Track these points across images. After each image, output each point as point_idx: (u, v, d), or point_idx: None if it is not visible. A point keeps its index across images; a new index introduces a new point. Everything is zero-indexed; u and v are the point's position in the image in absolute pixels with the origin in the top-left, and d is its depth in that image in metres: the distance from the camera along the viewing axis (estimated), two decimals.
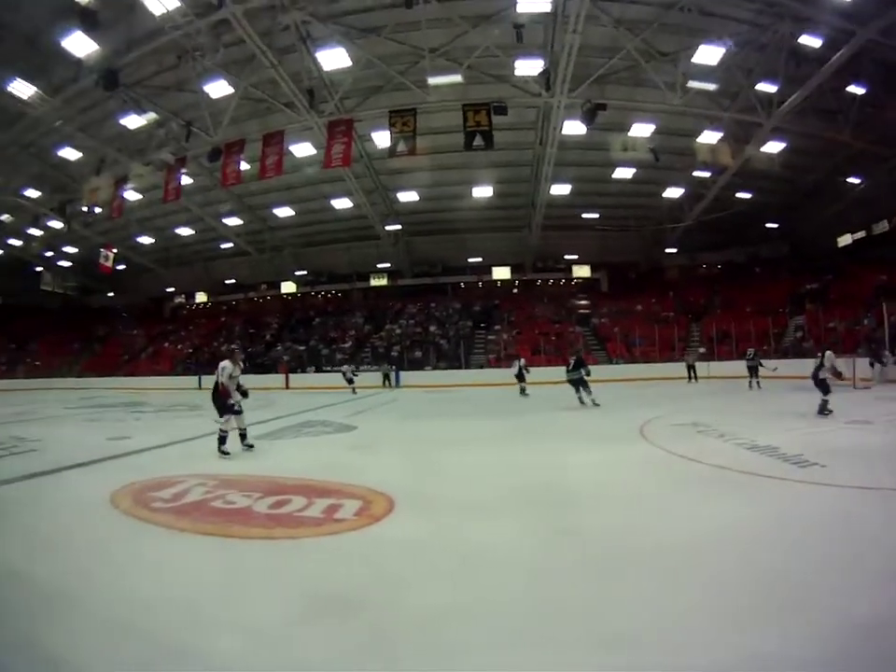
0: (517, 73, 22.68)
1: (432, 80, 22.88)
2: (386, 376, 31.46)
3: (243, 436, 10.01)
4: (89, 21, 19.10)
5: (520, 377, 22.24)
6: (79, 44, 20.71)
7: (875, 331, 25.34)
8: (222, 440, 9.49)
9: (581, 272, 43.94)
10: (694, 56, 21.90)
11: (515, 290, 45.46)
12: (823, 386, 12.59)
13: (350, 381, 26.74)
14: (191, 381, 34.97)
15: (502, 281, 44.87)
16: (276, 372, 35.84)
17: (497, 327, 39.74)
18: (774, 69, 22.59)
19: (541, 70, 22.48)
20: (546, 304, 42.49)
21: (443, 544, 5.07)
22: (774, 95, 23.98)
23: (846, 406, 13.28)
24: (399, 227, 39.15)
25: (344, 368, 27.90)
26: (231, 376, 9.78)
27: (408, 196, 35.04)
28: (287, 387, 33.22)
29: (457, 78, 22.89)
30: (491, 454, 9.65)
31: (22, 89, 23.22)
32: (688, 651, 3.15)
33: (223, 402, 9.67)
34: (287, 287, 46.98)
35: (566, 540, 5.03)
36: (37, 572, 4.45)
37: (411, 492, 6.91)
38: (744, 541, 4.83)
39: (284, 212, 37.03)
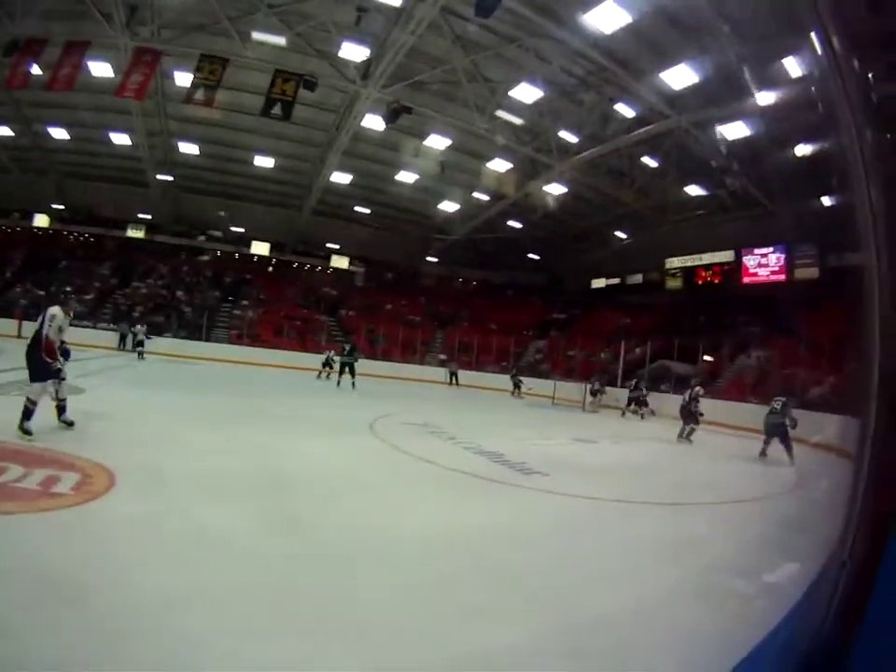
0: (341, 54, 22.50)
1: (257, 36, 22.18)
2: (123, 338, 29.78)
3: (61, 408, 8.04)
4: None
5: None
6: None
7: (611, 364, 28.30)
8: (28, 413, 7.20)
9: (340, 262, 44.28)
10: (513, 90, 23.08)
11: (271, 269, 44.75)
12: (691, 417, 14.47)
13: (139, 344, 24.31)
14: None
15: (260, 256, 43.91)
16: (10, 317, 31.07)
17: (244, 302, 39.18)
18: (581, 123, 24.62)
19: (365, 58, 22.55)
20: (298, 288, 42.35)
21: (170, 525, 4.82)
22: (573, 145, 26.05)
23: (575, 424, 14.88)
24: (171, 178, 36.77)
25: (137, 328, 24.97)
26: (60, 329, 7.72)
27: (189, 147, 33.01)
28: (20, 336, 28.72)
29: (280, 41, 22.37)
30: (223, 433, 9.46)
31: None
32: (419, 644, 3.33)
33: (44, 364, 7.44)
34: (41, 221, 41.71)
35: (295, 528, 5.17)
36: None
37: (135, 467, 6.47)
38: (468, 538, 5.26)
39: (59, 133, 32.92)
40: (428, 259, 44.61)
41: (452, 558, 4.73)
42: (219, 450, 8.10)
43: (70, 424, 8.07)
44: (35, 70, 23.04)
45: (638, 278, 37.57)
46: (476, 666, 3.11)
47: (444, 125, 26.44)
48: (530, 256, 42.65)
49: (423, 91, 24.43)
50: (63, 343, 7.95)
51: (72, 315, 8.31)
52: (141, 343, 24.33)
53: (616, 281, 39.32)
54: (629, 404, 21.97)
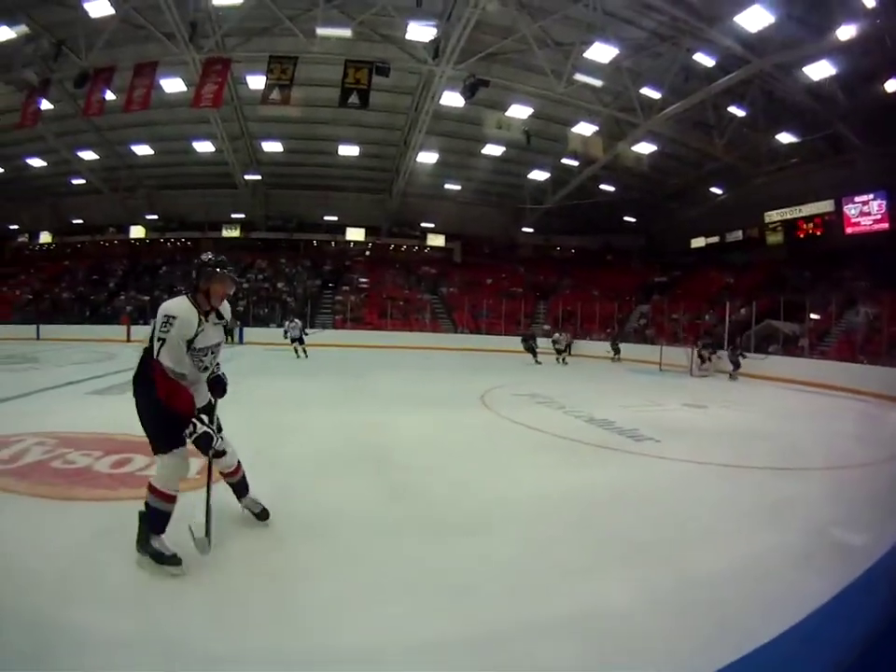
0: (408, 36, 22.32)
1: (321, 31, 22.12)
2: (230, 331, 30.36)
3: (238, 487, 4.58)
4: None
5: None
6: None
7: (715, 327, 26.97)
8: (156, 521, 3.79)
9: (436, 241, 44.33)
10: (587, 52, 22.28)
11: (368, 253, 45.21)
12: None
13: (296, 340, 22.89)
14: (29, 330, 31.67)
15: (356, 242, 44.57)
16: (118, 324, 33.41)
17: (345, 288, 39.66)
18: (661, 78, 23.61)
19: (433, 38, 22.32)
20: (397, 270, 42.56)
21: (296, 505, 5.03)
22: (656, 101, 25.00)
23: (683, 391, 14.15)
24: (258, 177, 38.10)
25: (290, 325, 23.45)
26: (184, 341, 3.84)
27: (272, 146, 34.10)
28: (129, 341, 30.57)
29: (346, 33, 22.33)
30: (337, 414, 9.70)
31: None
32: (532, 602, 3.38)
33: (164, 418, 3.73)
34: (137, 232, 44.23)
35: (413, 500, 5.32)
36: None
37: (257, 451, 6.48)
38: (583, 503, 5.29)
39: (143, 150, 34.56)
40: (524, 229, 43.87)
41: (563, 520, 4.83)
42: (337, 429, 8.41)
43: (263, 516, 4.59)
44: (110, 96, 23.88)
45: (738, 235, 36.10)
46: (592, 624, 3.15)
47: (524, 94, 25.85)
48: (626, 219, 41.51)
49: (496, 62, 23.88)
50: (214, 373, 4.21)
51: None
52: (299, 340, 22.80)
53: (715, 239, 37.87)
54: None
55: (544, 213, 39.92)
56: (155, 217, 43.32)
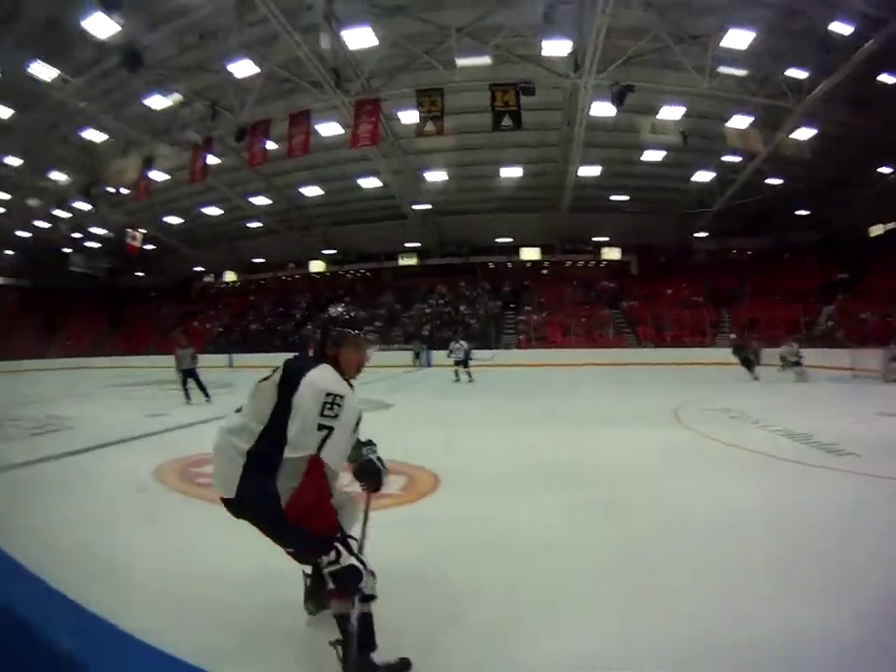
0: (544, 53, 22.25)
1: (461, 62, 22.54)
2: (417, 354, 31.42)
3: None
4: (109, 2, 18.77)
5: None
6: (100, 25, 20.17)
7: None
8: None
9: (611, 254, 43.67)
10: (723, 40, 21.36)
11: (545, 271, 45.17)
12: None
13: (460, 363, 22.40)
14: (222, 359, 35.40)
15: (532, 262, 44.62)
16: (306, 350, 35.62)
17: (527, 307, 39.65)
18: (803, 56, 22.09)
19: (570, 51, 22.14)
20: (576, 286, 42.17)
21: (492, 522, 5.07)
22: (804, 82, 23.40)
23: (877, 397, 13.07)
24: (427, 206, 38.99)
25: (455, 346, 22.95)
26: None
27: (436, 175, 34.80)
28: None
29: (485, 61, 22.71)
30: (532, 434, 9.67)
31: (43, 71, 22.84)
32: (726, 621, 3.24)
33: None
34: (316, 266, 47.32)
35: (615, 516, 5.22)
36: (90, 547, 4.46)
37: (453, 469, 6.98)
38: (791, 524, 4.92)
39: (311, 191, 36.83)
40: (696, 235, 42.38)
41: (758, 538, 4.58)
42: (532, 450, 8.40)
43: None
44: (271, 145, 25.44)
45: None
46: (789, 644, 2.97)
47: (671, 94, 25.21)
48: (797, 212, 38.78)
49: (637, 65, 23.21)
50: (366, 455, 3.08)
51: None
52: (463, 364, 22.28)
53: (894, 225, 34.91)
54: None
55: (714, 215, 38.32)
56: (333, 251, 46.00)
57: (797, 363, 19.54)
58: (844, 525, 4.92)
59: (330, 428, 2.57)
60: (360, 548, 2.83)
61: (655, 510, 5.39)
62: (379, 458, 3.04)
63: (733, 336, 27.52)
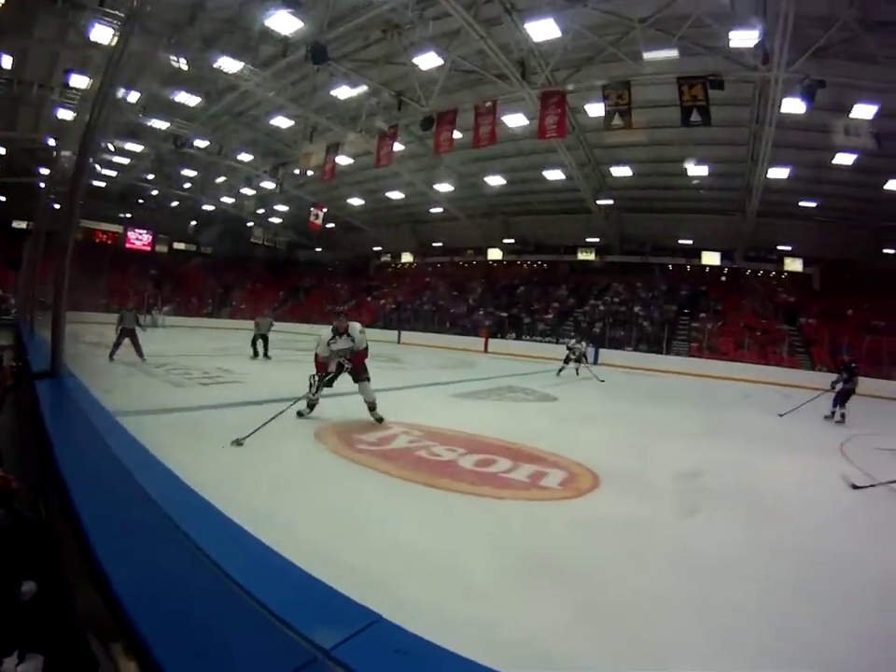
0: (732, 44, 21.22)
1: (648, 56, 22.25)
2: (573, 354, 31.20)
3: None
4: (291, 1, 20.05)
5: None
6: (283, 23, 21.69)
7: None
8: None
9: (794, 265, 40.60)
10: None
11: (724, 278, 43.03)
12: None
13: (572, 359, 23.49)
14: (391, 335, 37.64)
15: (711, 266, 42.77)
16: (477, 335, 37.18)
17: (702, 314, 38.26)
18: None
19: (757, 41, 21.05)
20: (754, 296, 39.62)
21: (653, 530, 5.14)
22: None
23: None
24: (610, 202, 38.37)
25: (572, 343, 24.07)
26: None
27: (621, 171, 34.29)
28: (486, 351, 34.36)
29: (673, 54, 22.14)
30: (695, 447, 9.62)
31: (230, 65, 24.85)
32: None
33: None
34: (494, 254, 47.70)
35: (781, 551, 4.95)
36: (248, 494, 4.81)
37: (614, 471, 7.01)
38: None
39: (495, 180, 37.28)
40: (885, 251, 37.87)
41: None
42: (693, 463, 8.23)
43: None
44: (457, 134, 26.05)
45: None
46: None
47: (864, 90, 23.08)
48: None
49: (827, 58, 21.71)
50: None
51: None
52: (575, 360, 23.49)
53: None
54: None
55: None
56: (511, 241, 46.39)
57: None
58: None
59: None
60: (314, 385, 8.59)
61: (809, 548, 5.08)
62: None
63: None
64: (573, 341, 23.85)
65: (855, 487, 7.25)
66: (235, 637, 1.41)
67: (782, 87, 22.83)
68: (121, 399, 7.55)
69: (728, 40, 21.00)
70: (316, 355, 8.83)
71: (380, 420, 8.73)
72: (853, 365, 15.14)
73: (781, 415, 14.80)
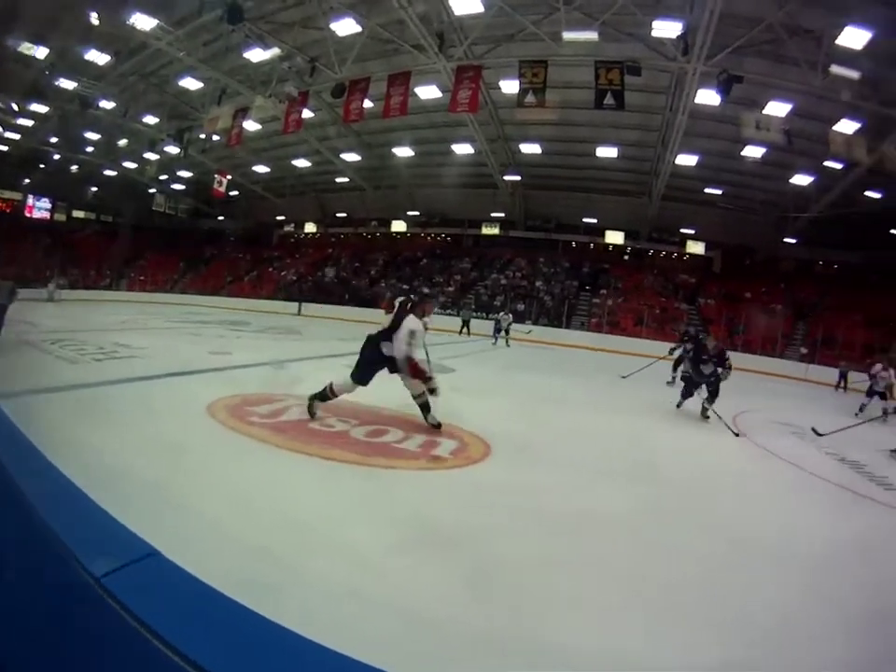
0: (654, 33, 21.63)
1: (567, 36, 22.18)
2: (466, 322, 30.99)
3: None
4: None
5: None
6: None
7: None
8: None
9: (696, 248, 42.19)
10: (839, 38, 20.27)
11: (626, 257, 44.24)
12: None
13: (500, 330, 25.85)
14: (291, 307, 36.42)
15: (614, 246, 43.69)
16: (377, 308, 36.23)
17: (603, 291, 39.08)
18: None
19: (679, 33, 21.45)
20: (655, 276, 41.32)
21: (540, 497, 5.15)
22: None
23: None
24: (517, 178, 38.60)
25: (500, 316, 26.42)
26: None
27: (530, 148, 34.54)
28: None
29: (593, 36, 22.15)
30: (587, 419, 9.85)
31: (144, 22, 23.83)
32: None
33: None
34: (398, 226, 47.20)
35: (668, 517, 5.15)
36: (140, 467, 4.75)
37: (506, 440, 7.03)
38: (821, 556, 4.70)
39: (402, 151, 36.95)
40: (786, 240, 40.19)
41: (794, 569, 4.33)
42: (580, 432, 8.61)
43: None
44: (367, 104, 25.72)
45: None
46: None
47: (780, 89, 24.07)
48: (893, 231, 36.33)
49: (747, 56, 22.50)
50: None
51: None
52: (507, 331, 25.43)
53: None
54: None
55: (808, 223, 36.56)
56: (416, 213, 45.83)
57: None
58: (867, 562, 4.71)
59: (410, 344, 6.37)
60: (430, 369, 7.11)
61: (707, 511, 5.46)
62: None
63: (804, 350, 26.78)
64: (501, 314, 26.14)
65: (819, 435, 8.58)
66: (20, 555, 1.58)
67: (699, 79, 23.38)
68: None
69: (651, 29, 21.30)
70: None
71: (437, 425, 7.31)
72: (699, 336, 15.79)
73: (624, 377, 16.56)
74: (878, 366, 15.98)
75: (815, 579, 4.16)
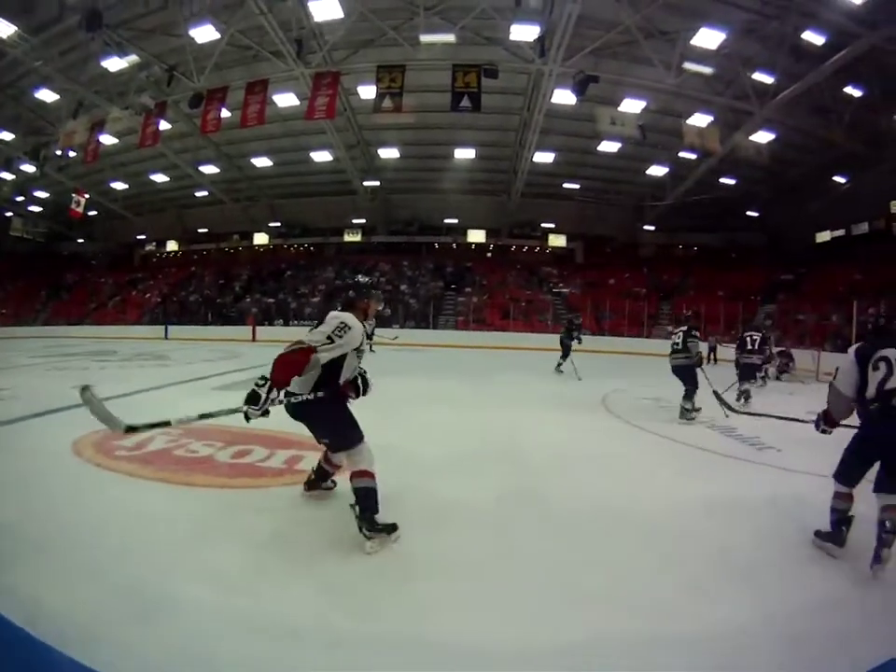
0: (512, 37, 22.16)
1: (424, 38, 22.48)
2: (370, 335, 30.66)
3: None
4: None
5: None
6: None
7: (842, 328, 25.32)
8: (373, 495, 4.19)
9: (557, 241, 43.65)
10: (694, 38, 21.58)
11: (489, 254, 45.11)
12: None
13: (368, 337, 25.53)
14: (158, 330, 34.49)
15: (477, 244, 44.60)
16: (244, 325, 35.36)
17: (468, 289, 39.72)
18: (772, 61, 22.39)
19: (537, 36, 21.98)
20: (519, 271, 42.30)
21: (413, 500, 5.14)
22: (769, 86, 23.76)
23: (808, 397, 13.21)
24: (377, 183, 38.93)
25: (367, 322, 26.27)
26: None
27: (389, 153, 34.81)
28: (254, 340, 32.46)
29: (450, 38, 22.51)
30: (456, 414, 9.91)
31: (2, 28, 22.46)
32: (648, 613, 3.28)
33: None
34: (260, 239, 46.49)
35: (532, 500, 5.31)
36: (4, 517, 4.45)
37: (374, 446, 6.72)
38: (699, 515, 5.07)
39: (262, 162, 36.44)
40: (646, 228, 42.73)
41: (673, 532, 4.65)
42: (457, 429, 8.58)
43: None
44: (225, 113, 25.05)
45: (864, 227, 33.70)
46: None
47: (635, 88, 25.30)
48: (748, 213, 39.70)
49: (603, 57, 23.46)
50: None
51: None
52: (370, 336, 24.57)
53: (841, 233, 35.47)
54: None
55: (666, 210, 38.71)
56: (278, 224, 45.26)
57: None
58: (743, 515, 5.08)
59: (332, 340, 3.91)
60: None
61: (575, 496, 5.52)
62: (363, 376, 4.48)
63: (670, 328, 27.93)
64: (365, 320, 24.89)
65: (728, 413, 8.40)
66: None
67: (556, 79, 24.12)
68: None
69: (509, 33, 21.80)
70: None
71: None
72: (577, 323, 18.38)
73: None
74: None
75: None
